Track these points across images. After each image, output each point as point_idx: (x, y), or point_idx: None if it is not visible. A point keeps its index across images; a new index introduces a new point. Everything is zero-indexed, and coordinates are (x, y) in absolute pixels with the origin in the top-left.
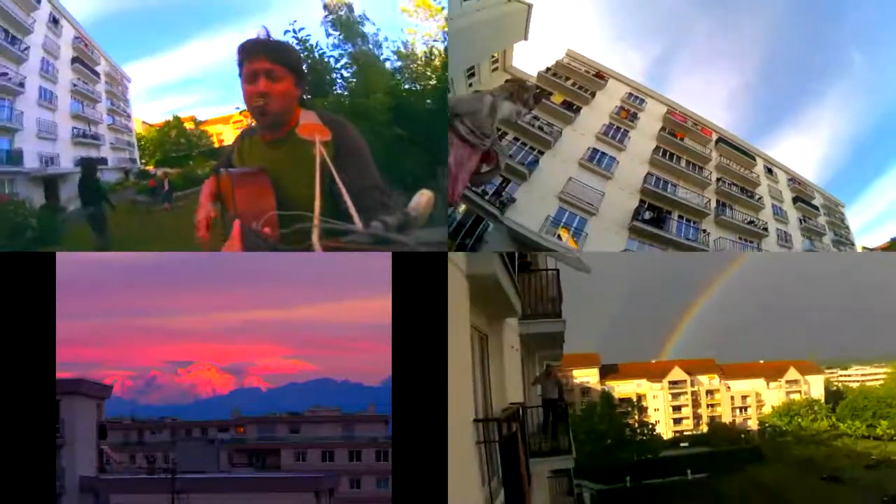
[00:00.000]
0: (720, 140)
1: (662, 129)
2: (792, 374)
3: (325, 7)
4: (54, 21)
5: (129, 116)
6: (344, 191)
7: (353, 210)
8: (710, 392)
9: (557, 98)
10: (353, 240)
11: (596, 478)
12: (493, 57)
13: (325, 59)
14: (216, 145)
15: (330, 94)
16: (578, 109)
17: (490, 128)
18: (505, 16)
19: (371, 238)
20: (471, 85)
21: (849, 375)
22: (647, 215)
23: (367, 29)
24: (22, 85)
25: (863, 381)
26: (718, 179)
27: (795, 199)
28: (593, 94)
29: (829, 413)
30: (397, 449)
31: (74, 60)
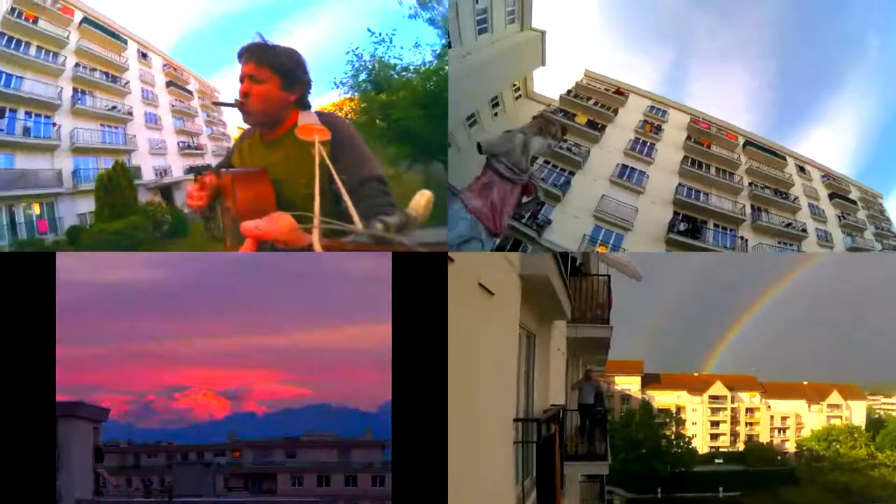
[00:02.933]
0: (747, 143)
1: (688, 138)
2: (835, 398)
3: None
4: (143, 55)
5: (224, 125)
6: (343, 190)
7: (352, 210)
8: (749, 410)
9: (581, 118)
10: (353, 240)
11: (628, 486)
12: (514, 85)
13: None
14: None
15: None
16: (603, 128)
17: (526, 163)
18: (520, 45)
19: (371, 238)
20: (496, 115)
21: (892, 403)
22: (682, 227)
23: None
24: (130, 113)
25: None
26: (750, 183)
27: (832, 196)
28: (616, 111)
29: (869, 441)
30: (398, 445)
31: (168, 84)
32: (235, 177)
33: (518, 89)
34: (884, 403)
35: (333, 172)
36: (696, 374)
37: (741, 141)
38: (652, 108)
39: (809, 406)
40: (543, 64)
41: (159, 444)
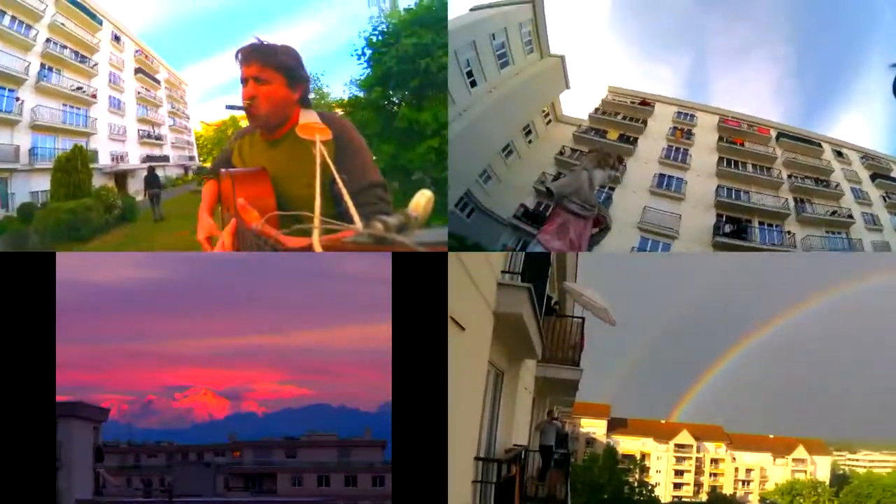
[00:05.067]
0: (780, 135)
1: (720, 138)
2: (800, 452)
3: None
4: (116, 38)
5: (187, 117)
6: (344, 190)
7: (353, 210)
8: (714, 461)
9: (613, 134)
10: (354, 240)
11: None
12: (543, 111)
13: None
14: None
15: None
16: (635, 140)
17: (594, 198)
18: (543, 72)
19: (371, 238)
20: (530, 142)
21: (857, 460)
22: (728, 228)
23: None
24: (94, 96)
25: (870, 467)
26: (790, 176)
27: (873, 177)
28: (645, 122)
29: (833, 497)
30: (398, 445)
31: (137, 71)
32: (235, 177)
33: (547, 114)
34: (849, 459)
35: (334, 172)
36: (663, 421)
37: (774, 134)
38: (679, 113)
39: (775, 459)
40: (568, 87)
41: (159, 444)
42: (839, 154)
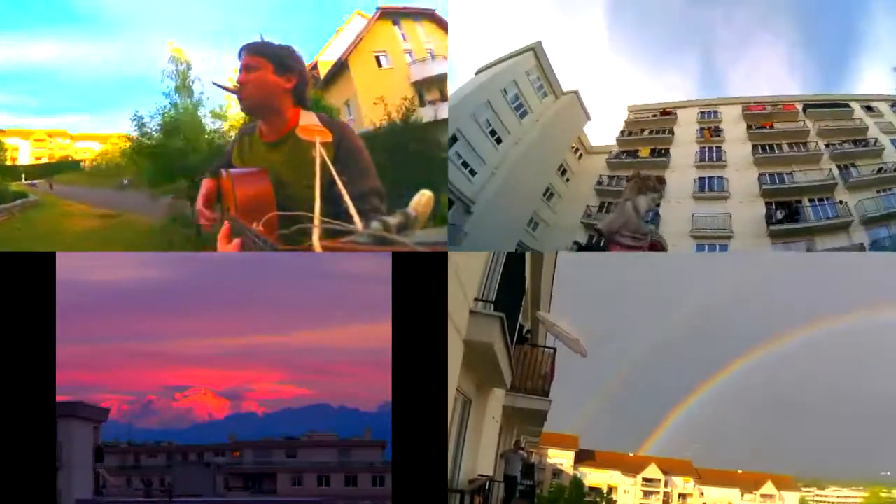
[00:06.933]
0: (807, 106)
1: (748, 127)
2: (768, 487)
3: (170, 59)
4: None
5: None
6: (344, 191)
7: (353, 210)
8: (682, 495)
9: (644, 151)
10: (353, 240)
11: None
12: (573, 147)
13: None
14: (9, 162)
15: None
16: (667, 151)
17: (644, 226)
18: (562, 111)
19: (371, 238)
20: (567, 180)
21: (825, 496)
22: (780, 214)
23: (196, 88)
24: None
25: (838, 503)
26: (827, 145)
27: None
28: (671, 132)
29: None
30: (398, 445)
31: None
32: (235, 177)
33: (577, 149)
34: (817, 495)
35: (334, 174)
36: (631, 455)
37: (800, 107)
38: (702, 113)
39: (743, 495)
40: (589, 118)
41: (159, 444)
42: (869, 109)
